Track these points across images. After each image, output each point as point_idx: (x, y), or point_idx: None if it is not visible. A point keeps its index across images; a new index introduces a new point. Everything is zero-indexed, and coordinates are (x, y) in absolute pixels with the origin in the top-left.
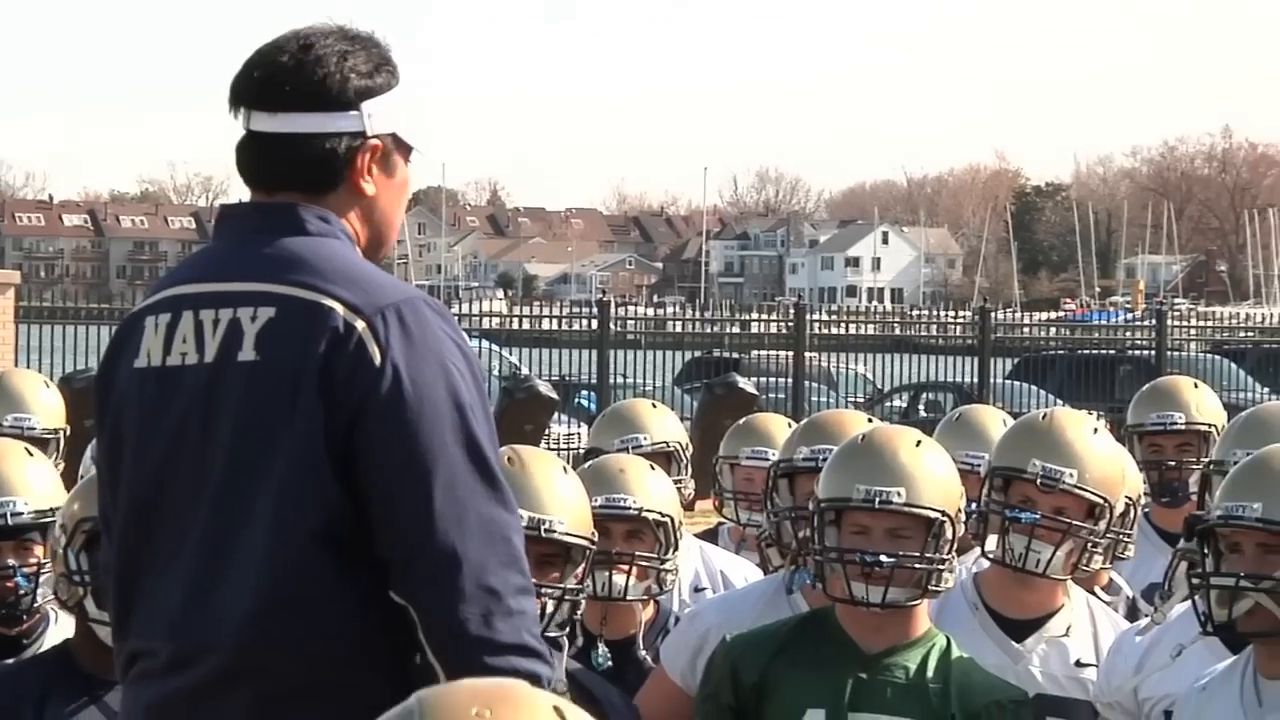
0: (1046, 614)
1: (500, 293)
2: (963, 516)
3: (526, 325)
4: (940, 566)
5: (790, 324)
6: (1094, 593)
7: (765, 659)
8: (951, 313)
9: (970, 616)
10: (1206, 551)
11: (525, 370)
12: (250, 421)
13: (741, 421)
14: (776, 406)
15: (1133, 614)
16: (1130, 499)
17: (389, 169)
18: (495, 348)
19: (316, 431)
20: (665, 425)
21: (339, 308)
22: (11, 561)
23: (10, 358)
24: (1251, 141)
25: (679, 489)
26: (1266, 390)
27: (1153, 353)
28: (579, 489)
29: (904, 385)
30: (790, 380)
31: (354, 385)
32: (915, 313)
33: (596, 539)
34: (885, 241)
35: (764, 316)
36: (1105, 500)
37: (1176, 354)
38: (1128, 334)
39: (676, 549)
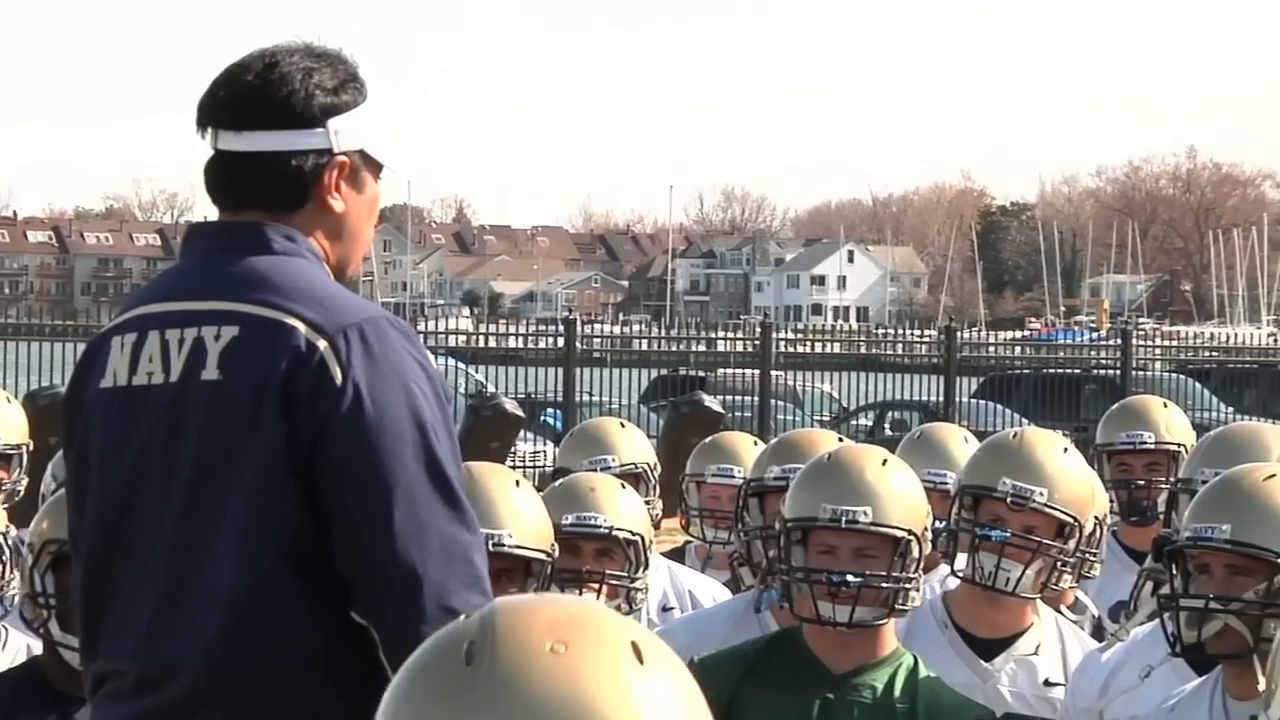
0: (1015, 633)
1: (466, 310)
2: (929, 535)
3: (492, 343)
4: (907, 585)
5: (756, 342)
6: (1060, 611)
7: (734, 680)
8: (917, 332)
9: (939, 635)
10: (1175, 572)
11: (491, 388)
12: (214, 440)
13: (708, 440)
14: (742, 425)
15: (1098, 633)
16: (1098, 518)
17: (358, 185)
18: (461, 365)
19: (279, 450)
20: (634, 446)
21: (301, 326)
22: None
23: None
24: (1216, 162)
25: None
26: (1230, 410)
27: (1118, 372)
28: (535, 502)
29: (870, 404)
30: (756, 399)
31: (315, 404)
32: (881, 331)
33: (557, 553)
34: (851, 260)
35: (730, 335)
36: (1075, 519)
37: (1141, 373)
38: (1093, 353)
39: (647, 567)
